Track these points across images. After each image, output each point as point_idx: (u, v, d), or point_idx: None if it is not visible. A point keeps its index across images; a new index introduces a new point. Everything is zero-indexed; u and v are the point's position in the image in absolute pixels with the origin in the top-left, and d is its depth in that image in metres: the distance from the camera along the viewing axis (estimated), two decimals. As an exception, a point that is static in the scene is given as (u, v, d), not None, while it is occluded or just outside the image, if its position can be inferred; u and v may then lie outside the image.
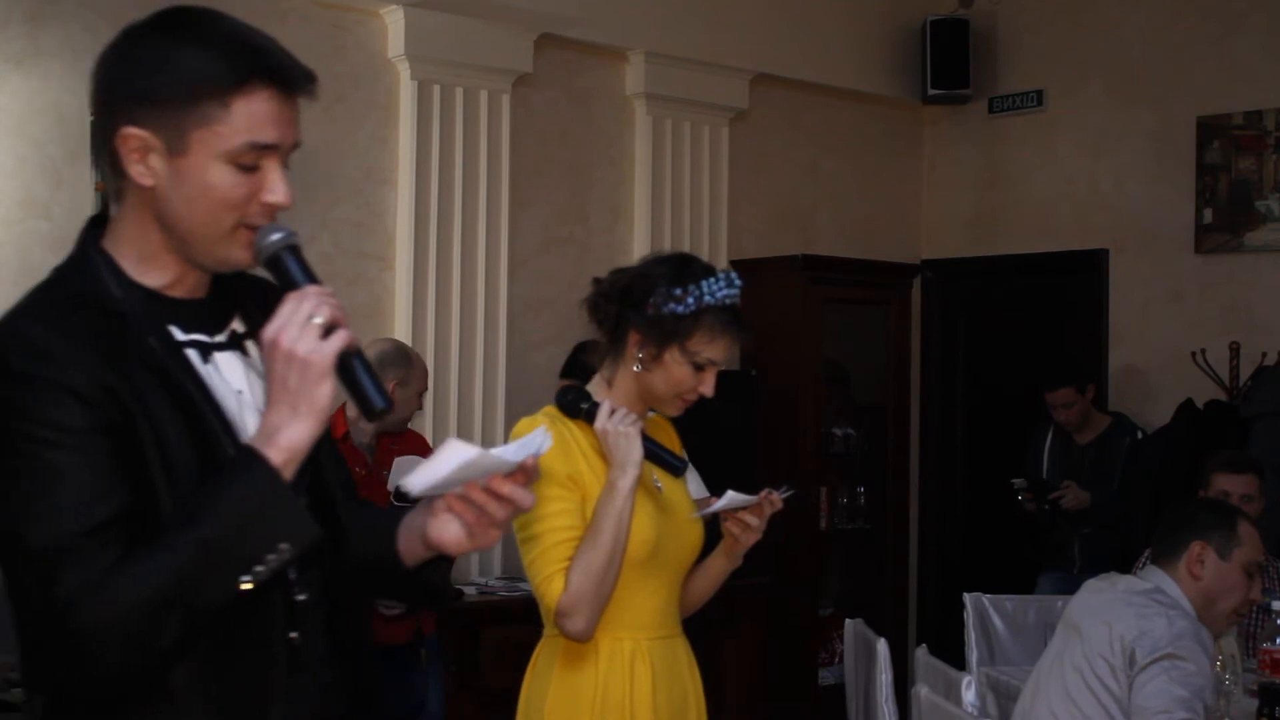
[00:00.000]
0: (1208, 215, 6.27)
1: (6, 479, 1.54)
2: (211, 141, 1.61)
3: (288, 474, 1.57)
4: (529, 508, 1.71)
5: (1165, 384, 6.26)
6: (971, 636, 4.69)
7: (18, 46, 4.64)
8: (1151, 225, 6.48)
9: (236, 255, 1.67)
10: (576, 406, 2.53)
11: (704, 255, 6.15)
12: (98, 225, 1.72)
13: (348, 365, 1.60)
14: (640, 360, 2.56)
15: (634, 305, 2.55)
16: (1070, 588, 5.39)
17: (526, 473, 1.69)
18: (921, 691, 3.40)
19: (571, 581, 2.45)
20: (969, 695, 3.56)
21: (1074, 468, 5.86)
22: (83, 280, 1.66)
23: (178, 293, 1.70)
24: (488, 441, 5.41)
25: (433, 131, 5.42)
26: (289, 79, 1.65)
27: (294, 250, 1.65)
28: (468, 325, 5.52)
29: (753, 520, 2.60)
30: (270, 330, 1.57)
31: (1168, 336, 6.35)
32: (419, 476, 1.64)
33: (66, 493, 1.52)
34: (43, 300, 1.64)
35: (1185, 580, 3.19)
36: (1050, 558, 5.94)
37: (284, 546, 1.55)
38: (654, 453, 2.52)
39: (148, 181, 1.64)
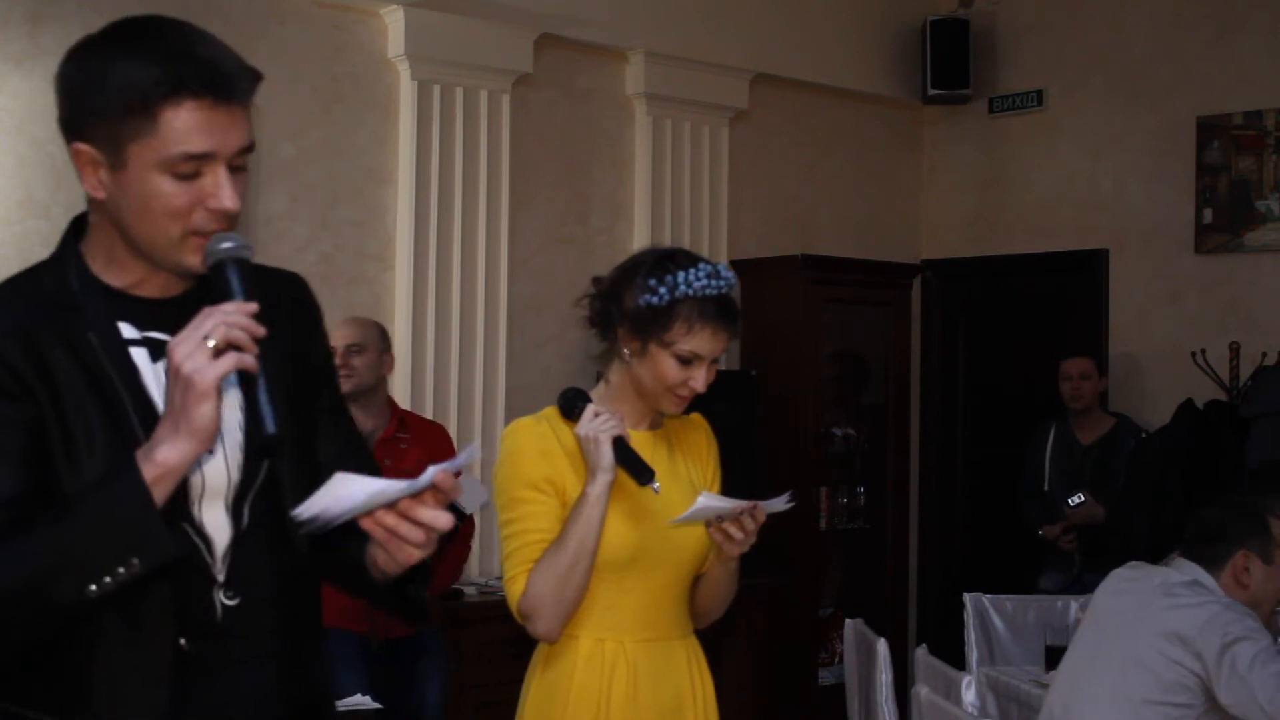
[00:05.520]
0: (1208, 215, 6.27)
1: None
2: (145, 154, 1.59)
3: (160, 490, 1.54)
4: (446, 527, 1.64)
5: (1165, 384, 6.26)
6: (971, 636, 4.69)
7: (18, 46, 4.64)
8: (1151, 225, 6.47)
9: (190, 261, 1.65)
10: (572, 408, 2.51)
11: (704, 255, 6.18)
12: (80, 224, 1.75)
13: (247, 388, 1.58)
14: (629, 356, 2.54)
15: (618, 299, 2.54)
16: (1070, 588, 5.41)
17: (444, 491, 1.63)
18: (921, 691, 3.40)
19: (532, 584, 2.45)
20: (969, 695, 3.56)
21: (1076, 470, 5.85)
22: (47, 274, 1.69)
23: (144, 292, 1.70)
24: (487, 442, 5.42)
25: (433, 131, 5.42)
26: (220, 87, 1.60)
27: (240, 262, 1.62)
28: (468, 325, 5.52)
29: (736, 533, 2.48)
30: (171, 344, 1.55)
31: (1167, 336, 6.35)
32: (309, 505, 1.59)
33: None
34: None
35: (1230, 587, 3.21)
36: (1050, 558, 5.94)
37: (135, 561, 1.52)
38: (624, 459, 2.45)
39: (100, 194, 1.64)
